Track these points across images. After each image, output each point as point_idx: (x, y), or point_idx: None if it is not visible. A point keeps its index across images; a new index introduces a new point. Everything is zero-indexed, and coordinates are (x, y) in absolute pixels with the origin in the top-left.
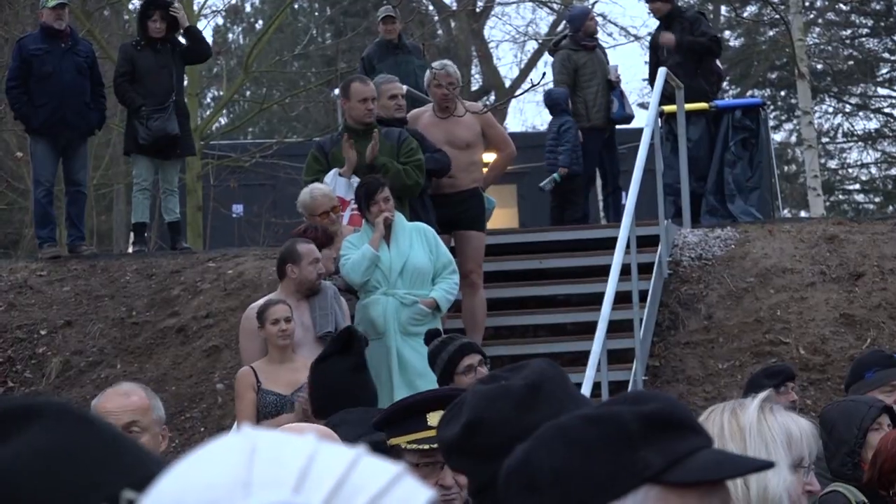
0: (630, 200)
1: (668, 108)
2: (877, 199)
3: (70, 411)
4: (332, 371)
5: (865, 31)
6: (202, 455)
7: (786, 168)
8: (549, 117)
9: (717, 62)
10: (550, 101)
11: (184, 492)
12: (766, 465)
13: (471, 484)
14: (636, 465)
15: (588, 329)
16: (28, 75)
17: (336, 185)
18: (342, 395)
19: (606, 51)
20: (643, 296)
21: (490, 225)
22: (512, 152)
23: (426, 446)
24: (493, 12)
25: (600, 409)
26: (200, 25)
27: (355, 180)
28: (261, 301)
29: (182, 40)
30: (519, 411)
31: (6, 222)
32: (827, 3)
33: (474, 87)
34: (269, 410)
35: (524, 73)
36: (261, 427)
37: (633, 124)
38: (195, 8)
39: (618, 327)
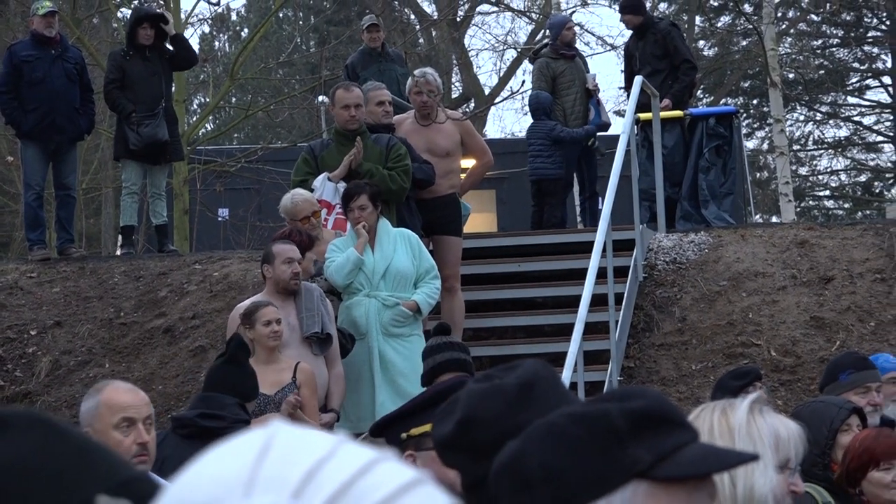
0: (606, 205)
1: (643, 115)
2: (846, 206)
3: (39, 420)
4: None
5: (836, 41)
6: (225, 447)
7: (758, 174)
8: (527, 124)
9: (695, 73)
10: (537, 104)
11: (194, 484)
12: (751, 458)
13: (463, 480)
14: (625, 462)
15: (565, 331)
16: (19, 81)
17: (324, 188)
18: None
19: (586, 59)
20: (619, 298)
21: (470, 229)
22: (489, 161)
23: None
24: (473, 21)
25: (588, 407)
26: (187, 33)
27: (342, 186)
28: (247, 302)
29: (169, 47)
30: (511, 410)
31: None
32: (799, 13)
33: (455, 95)
34: (254, 410)
35: (503, 81)
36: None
37: (610, 131)
38: (182, 16)
39: (594, 329)
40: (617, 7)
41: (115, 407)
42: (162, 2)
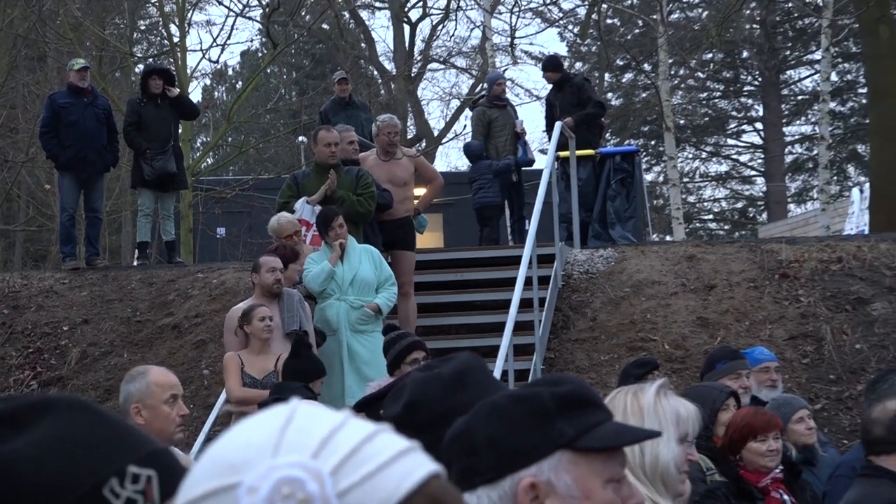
0: (532, 226)
1: (562, 153)
2: (726, 227)
3: (79, 403)
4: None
5: (718, 94)
6: (253, 419)
7: (655, 202)
8: (468, 162)
9: (602, 119)
10: (468, 151)
11: (228, 448)
12: (655, 434)
13: None
14: (553, 435)
15: (498, 328)
16: (57, 123)
17: (303, 210)
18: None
19: (516, 107)
20: (542, 302)
21: (421, 245)
22: (441, 183)
23: None
24: (424, 77)
25: (525, 390)
26: (192, 86)
27: (318, 208)
28: (241, 304)
29: (169, 92)
30: (448, 393)
31: (37, 241)
32: (688, 71)
33: (409, 136)
34: (245, 387)
35: (449, 125)
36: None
37: (535, 166)
38: (188, 71)
39: (522, 327)
40: (541, 66)
41: (165, 385)
42: (171, 60)
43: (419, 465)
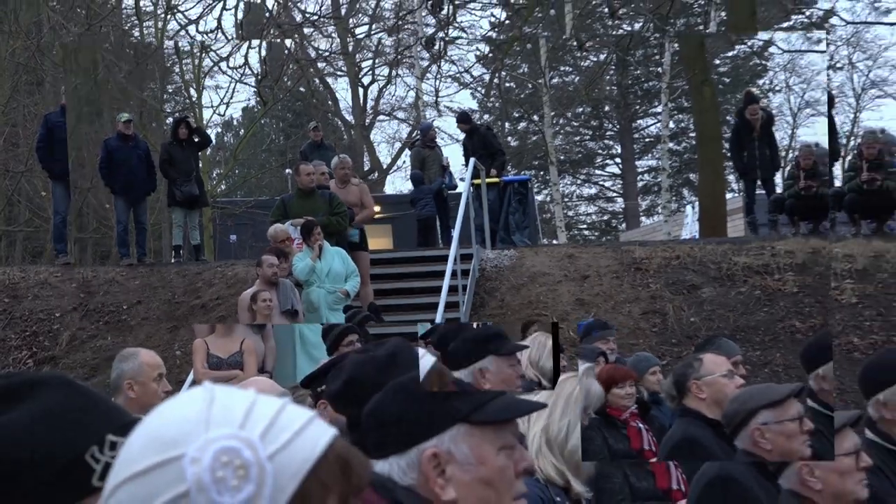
0: (455, 233)
1: (476, 181)
2: (596, 233)
3: (66, 380)
4: None
5: (588, 137)
6: (176, 401)
7: (544, 216)
8: (408, 186)
9: (505, 156)
10: (414, 178)
11: (161, 426)
12: (541, 407)
13: (348, 422)
14: (450, 410)
15: (433, 307)
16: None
17: (290, 230)
18: None
19: (442, 147)
20: (464, 288)
21: (375, 247)
22: (372, 212)
23: None
24: (375, 125)
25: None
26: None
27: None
28: (249, 290)
29: (195, 139)
30: (381, 373)
31: (34, 239)
32: (565, 120)
33: (366, 168)
34: (211, 366)
35: (394, 161)
36: (217, 382)
37: (457, 191)
38: (204, 122)
39: (450, 306)
40: (455, 119)
41: (154, 365)
42: (192, 114)
43: (325, 430)
